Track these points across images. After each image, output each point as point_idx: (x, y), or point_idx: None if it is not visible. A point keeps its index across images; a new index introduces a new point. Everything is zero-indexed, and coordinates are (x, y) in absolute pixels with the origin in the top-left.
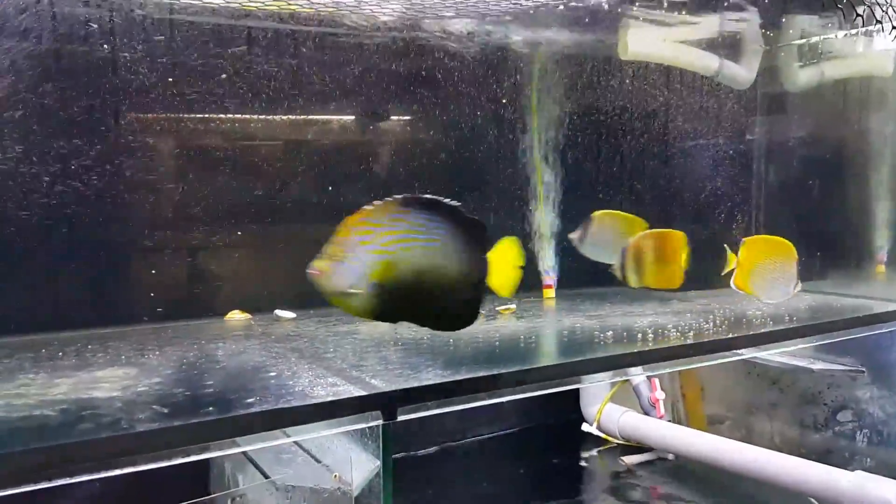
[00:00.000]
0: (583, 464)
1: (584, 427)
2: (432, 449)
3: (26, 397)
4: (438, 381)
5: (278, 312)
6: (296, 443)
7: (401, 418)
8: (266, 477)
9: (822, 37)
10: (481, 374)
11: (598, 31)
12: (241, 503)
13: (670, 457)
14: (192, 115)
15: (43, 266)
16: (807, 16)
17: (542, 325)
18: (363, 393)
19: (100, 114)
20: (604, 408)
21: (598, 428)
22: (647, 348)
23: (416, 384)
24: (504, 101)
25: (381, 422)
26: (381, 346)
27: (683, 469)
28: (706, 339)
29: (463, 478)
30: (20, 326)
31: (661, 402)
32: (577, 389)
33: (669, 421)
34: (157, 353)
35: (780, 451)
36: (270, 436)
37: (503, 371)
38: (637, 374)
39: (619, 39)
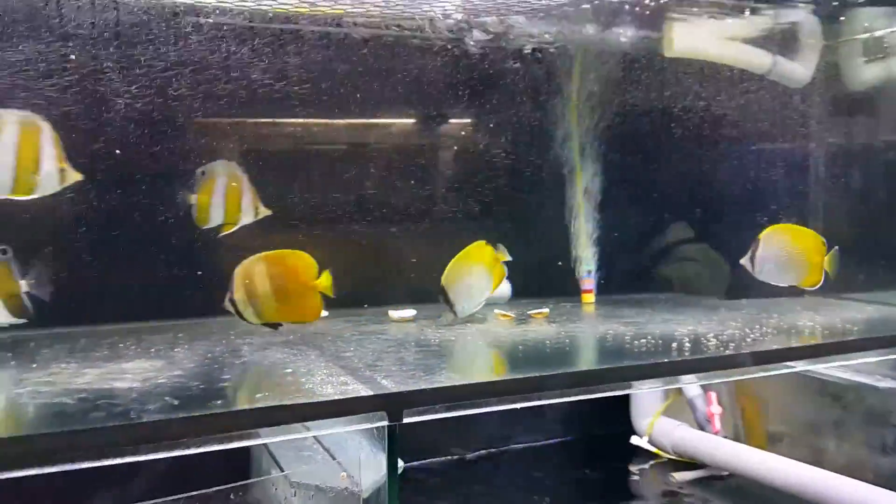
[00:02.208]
0: (631, 478)
1: (634, 440)
2: (470, 455)
3: (53, 385)
4: (446, 384)
5: None
6: (317, 440)
7: (406, 420)
8: (282, 471)
9: (889, 30)
10: (489, 378)
11: (642, 28)
12: (241, 498)
13: (725, 475)
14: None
15: (97, 262)
16: (872, 7)
17: (571, 331)
18: (369, 393)
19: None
20: (656, 420)
21: (650, 441)
22: (675, 358)
23: (424, 386)
24: (544, 100)
25: (386, 423)
26: (401, 347)
27: (740, 488)
28: (735, 351)
29: (503, 487)
30: (69, 319)
31: (718, 417)
32: (629, 400)
33: (726, 437)
34: (187, 347)
35: (844, 473)
36: (271, 432)
37: (513, 377)
38: (690, 383)
39: (665, 36)
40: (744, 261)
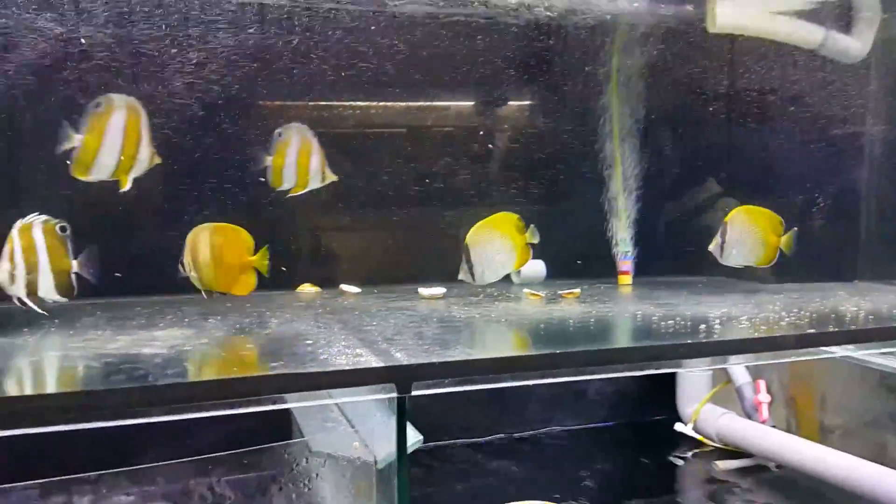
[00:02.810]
0: (673, 465)
1: (678, 427)
2: (507, 436)
3: (84, 350)
4: (457, 358)
5: (343, 287)
6: (341, 412)
7: (415, 393)
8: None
9: None
10: (501, 354)
11: (684, 2)
12: (253, 462)
13: (773, 465)
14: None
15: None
16: None
17: (599, 311)
18: (378, 364)
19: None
20: (701, 408)
21: (694, 429)
22: (689, 341)
23: (434, 359)
24: (582, 79)
25: (395, 395)
26: (424, 323)
27: (787, 480)
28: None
29: (540, 470)
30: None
31: (766, 406)
32: (674, 387)
33: (774, 427)
34: (220, 318)
35: None
36: (282, 399)
37: (526, 353)
38: (735, 363)
39: (707, 11)
40: (712, 248)
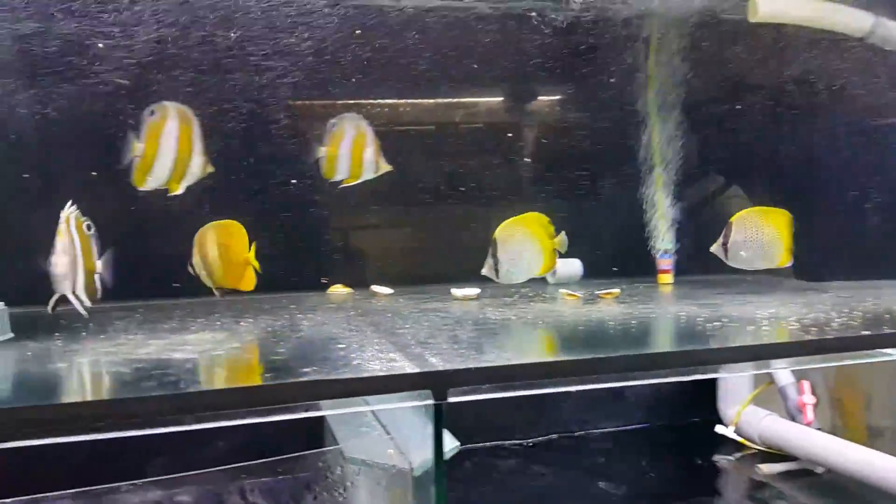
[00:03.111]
0: (715, 468)
1: (719, 429)
2: (544, 439)
3: (115, 355)
4: (494, 363)
5: (375, 288)
6: (376, 418)
7: (452, 399)
8: (336, 444)
9: None
10: (540, 359)
11: None
12: (287, 470)
13: (818, 469)
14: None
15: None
16: None
17: (639, 312)
18: (413, 370)
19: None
20: (743, 409)
21: (736, 431)
22: (738, 344)
23: (470, 365)
24: (619, 72)
25: (431, 401)
26: (458, 325)
27: (834, 485)
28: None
29: (578, 473)
30: (144, 293)
31: (811, 407)
32: (715, 388)
33: (819, 429)
34: (251, 320)
35: None
36: (314, 406)
37: (565, 358)
38: (780, 368)
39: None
40: (714, 248)
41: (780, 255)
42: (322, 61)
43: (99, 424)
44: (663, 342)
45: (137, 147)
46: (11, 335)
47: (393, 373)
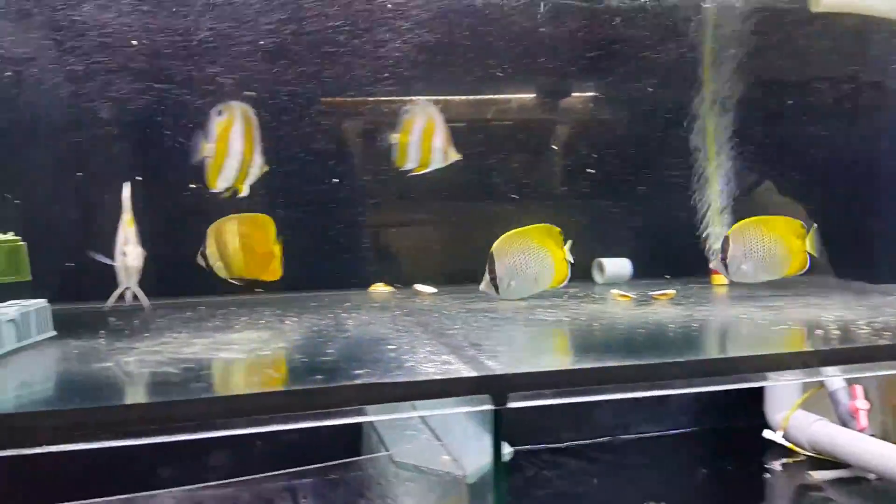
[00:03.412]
0: (763, 475)
1: (767, 434)
2: (585, 442)
3: (160, 354)
4: (555, 367)
5: (418, 287)
6: (423, 421)
7: (511, 405)
8: (386, 449)
9: None
10: (604, 363)
11: None
12: (340, 476)
13: (871, 477)
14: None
15: None
16: None
17: (698, 314)
18: (471, 374)
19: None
20: (792, 414)
21: (784, 436)
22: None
23: (530, 369)
24: (672, 65)
25: (490, 406)
26: (510, 326)
27: (888, 493)
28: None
29: (619, 479)
30: (187, 290)
31: (865, 413)
32: (762, 392)
33: (873, 435)
34: (296, 319)
35: None
36: (368, 410)
37: (630, 363)
38: (833, 376)
39: None
40: (714, 264)
41: (789, 264)
42: (352, 57)
43: (150, 428)
44: (732, 346)
45: (207, 147)
46: (54, 333)
47: (451, 376)
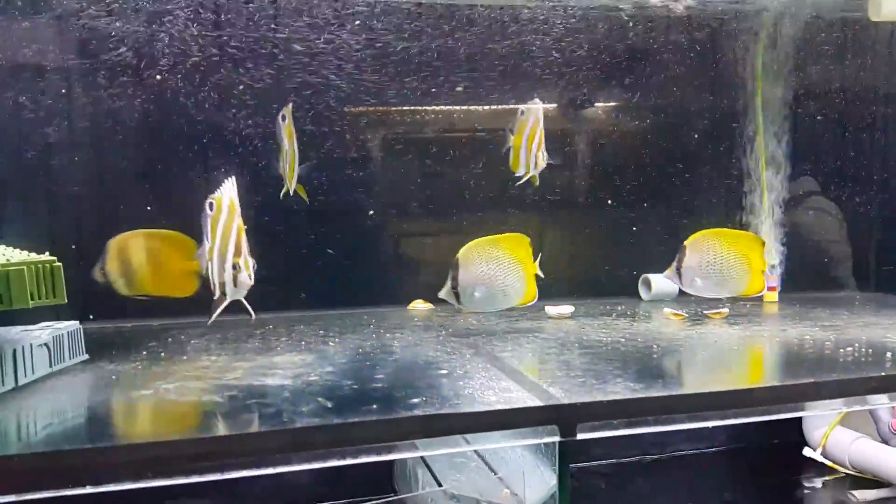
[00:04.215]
0: (802, 494)
1: (806, 452)
2: (623, 460)
3: (202, 380)
4: (627, 396)
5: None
6: (477, 453)
7: (581, 436)
8: (437, 482)
9: None
10: (682, 392)
11: None
12: None
13: None
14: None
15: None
16: None
17: (759, 334)
18: (539, 403)
19: None
20: (831, 432)
21: (823, 454)
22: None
23: (600, 398)
24: (722, 75)
25: (557, 438)
26: (564, 348)
27: None
28: None
29: (657, 497)
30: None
31: None
32: None
33: None
34: (337, 340)
35: None
36: (429, 444)
37: (710, 390)
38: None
39: None
40: (668, 273)
41: (746, 283)
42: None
43: (201, 465)
44: (805, 370)
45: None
46: (86, 357)
47: (516, 406)
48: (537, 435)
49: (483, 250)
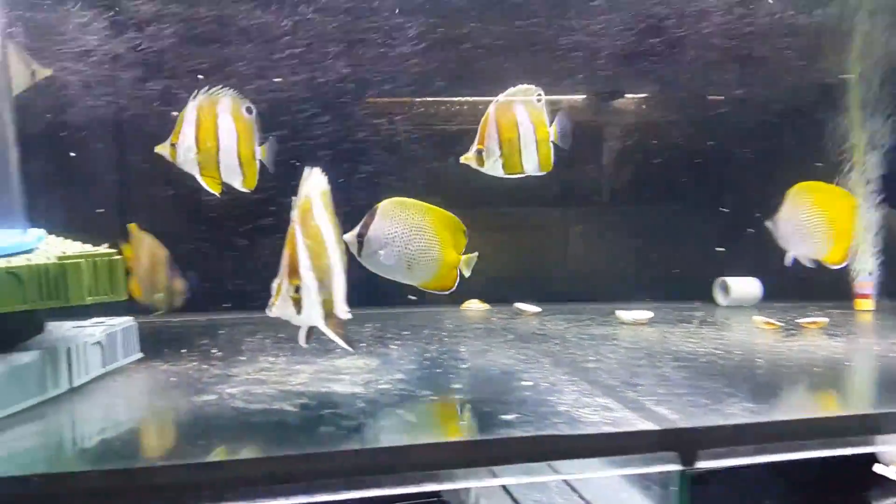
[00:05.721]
0: None
1: (877, 468)
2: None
3: (266, 384)
4: (756, 419)
5: (520, 305)
6: (566, 481)
7: (701, 465)
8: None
9: None
10: (813, 415)
11: None
12: None
13: None
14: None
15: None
16: None
17: (867, 348)
18: (654, 427)
19: None
20: None
21: None
22: None
23: (721, 421)
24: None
25: (678, 467)
26: (653, 359)
27: None
28: None
29: None
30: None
31: None
32: None
33: None
34: (398, 342)
35: None
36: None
37: (848, 414)
38: None
39: None
40: (769, 223)
41: (829, 249)
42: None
43: (280, 486)
44: None
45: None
46: (141, 355)
47: (630, 429)
48: (648, 463)
49: (407, 212)
